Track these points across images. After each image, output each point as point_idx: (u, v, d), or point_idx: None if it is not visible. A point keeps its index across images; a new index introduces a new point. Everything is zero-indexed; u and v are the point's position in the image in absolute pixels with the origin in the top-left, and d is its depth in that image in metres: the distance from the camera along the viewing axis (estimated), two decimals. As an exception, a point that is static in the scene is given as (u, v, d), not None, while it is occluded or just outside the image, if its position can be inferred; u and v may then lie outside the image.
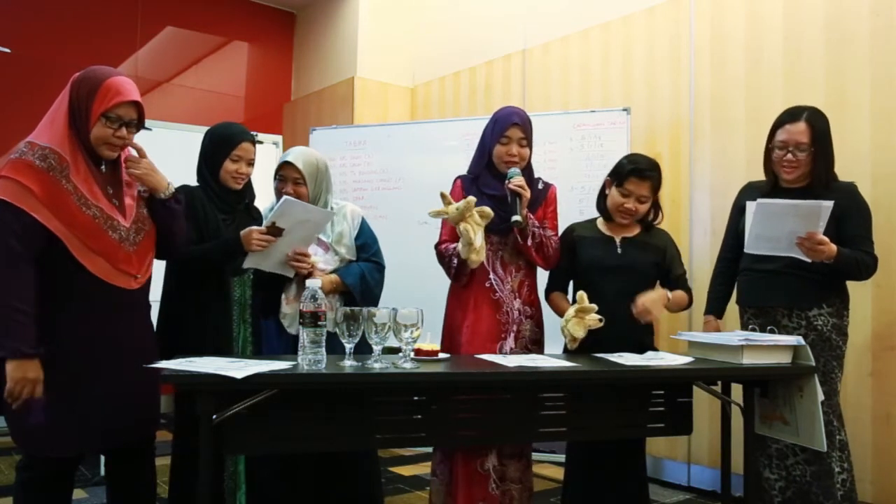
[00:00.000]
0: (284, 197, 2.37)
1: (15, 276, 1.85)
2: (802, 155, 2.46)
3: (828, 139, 2.49)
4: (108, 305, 1.98)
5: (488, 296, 2.50)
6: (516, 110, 2.59)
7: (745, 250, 2.48)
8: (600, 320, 2.33)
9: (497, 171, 2.54)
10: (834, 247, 2.33)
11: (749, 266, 2.60)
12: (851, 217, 2.45)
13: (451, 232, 2.56)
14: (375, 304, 2.54)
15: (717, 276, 2.78)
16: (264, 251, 2.34)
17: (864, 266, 2.43)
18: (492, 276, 2.51)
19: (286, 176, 2.51)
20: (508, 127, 2.51)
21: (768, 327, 2.54)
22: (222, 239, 2.38)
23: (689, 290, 2.61)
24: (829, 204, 2.26)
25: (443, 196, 2.40)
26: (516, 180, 2.44)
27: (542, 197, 2.60)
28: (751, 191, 2.62)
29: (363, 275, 2.54)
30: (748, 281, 2.62)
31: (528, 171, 2.57)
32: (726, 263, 2.73)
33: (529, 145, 2.56)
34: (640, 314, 2.40)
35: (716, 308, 2.75)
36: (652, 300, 2.42)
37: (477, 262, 2.42)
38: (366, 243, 2.62)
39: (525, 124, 2.54)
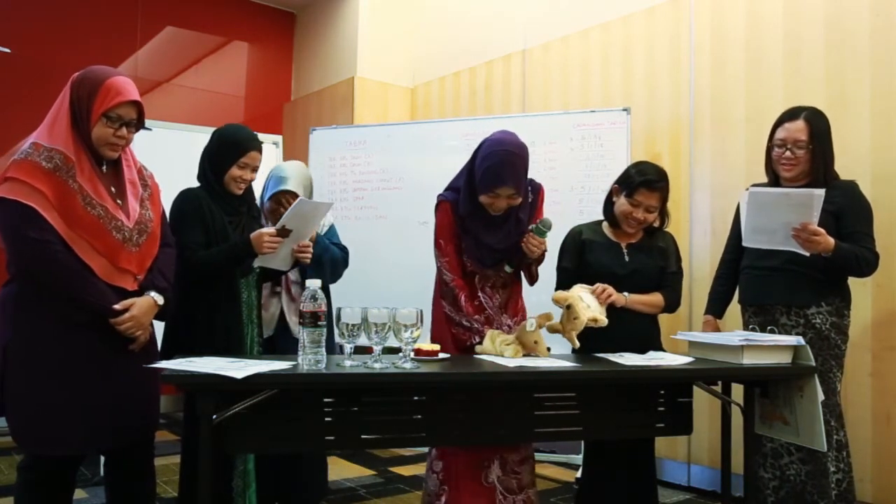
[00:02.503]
0: (300, 198, 2.45)
1: (66, 259, 1.89)
2: (801, 152, 2.47)
3: (827, 138, 2.50)
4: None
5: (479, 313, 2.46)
6: (510, 160, 2.29)
7: (743, 244, 2.50)
8: (594, 320, 2.28)
9: (488, 214, 2.39)
10: (831, 240, 2.33)
11: (749, 264, 2.61)
12: (851, 214, 2.46)
13: (455, 263, 2.45)
14: (337, 275, 2.86)
15: (718, 276, 2.80)
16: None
17: (864, 261, 2.41)
18: (480, 295, 2.48)
19: (285, 202, 2.62)
20: (499, 186, 2.30)
21: (768, 327, 2.55)
22: (231, 244, 2.38)
23: (674, 291, 2.58)
24: (821, 192, 2.27)
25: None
26: (539, 245, 2.36)
27: (535, 207, 2.52)
28: None
29: (327, 248, 2.75)
30: (748, 279, 2.63)
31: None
32: (727, 264, 2.75)
33: (521, 191, 2.36)
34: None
35: (715, 308, 2.77)
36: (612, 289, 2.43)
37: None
38: (335, 243, 2.84)
39: (519, 177, 2.32)
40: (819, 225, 2.31)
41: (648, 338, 2.53)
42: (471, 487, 2.36)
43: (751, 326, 2.62)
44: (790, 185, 2.52)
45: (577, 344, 2.27)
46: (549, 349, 2.25)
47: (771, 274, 2.53)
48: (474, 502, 2.35)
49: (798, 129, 2.47)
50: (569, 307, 2.25)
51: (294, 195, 2.61)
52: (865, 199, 2.51)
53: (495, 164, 2.30)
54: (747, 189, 2.48)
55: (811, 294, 2.47)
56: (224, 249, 2.37)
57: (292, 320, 2.77)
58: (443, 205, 2.49)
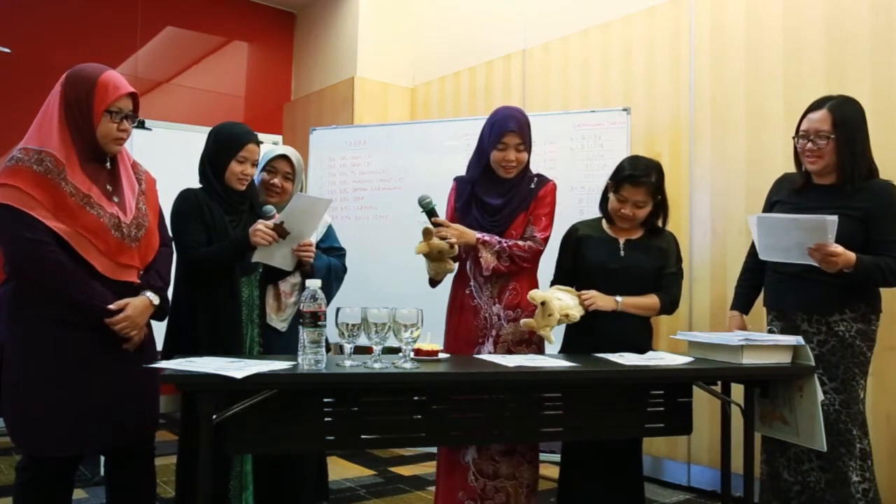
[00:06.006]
0: (298, 193, 2.42)
1: (61, 259, 1.90)
2: (823, 143, 2.34)
3: (853, 127, 2.34)
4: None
5: (468, 302, 2.55)
6: (513, 113, 2.52)
7: (760, 258, 2.41)
8: (566, 316, 2.32)
9: (496, 175, 2.53)
10: (851, 255, 2.20)
11: (773, 267, 2.49)
12: (882, 220, 2.30)
13: None
14: (328, 301, 2.66)
15: (744, 272, 2.69)
16: (271, 246, 2.35)
17: (891, 272, 2.26)
18: (472, 283, 2.54)
19: (277, 169, 2.62)
20: (505, 134, 2.47)
21: (768, 328, 2.53)
22: (231, 239, 2.37)
23: (671, 293, 2.53)
24: (834, 219, 2.15)
25: (427, 231, 2.46)
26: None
27: (532, 197, 2.55)
28: (784, 183, 2.54)
29: (330, 266, 2.66)
30: (770, 282, 2.53)
31: (524, 171, 2.55)
32: (753, 259, 2.62)
33: (527, 148, 2.53)
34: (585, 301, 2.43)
35: (741, 304, 2.67)
36: (602, 296, 2.44)
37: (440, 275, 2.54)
38: (332, 246, 2.76)
39: (522, 128, 2.49)
40: (844, 233, 2.19)
41: (638, 339, 2.49)
42: (448, 464, 2.52)
43: (769, 329, 2.54)
44: (817, 179, 2.42)
45: (552, 340, 2.33)
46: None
47: (791, 280, 2.41)
48: (449, 477, 2.52)
49: (820, 118, 2.35)
50: (543, 304, 2.30)
51: (286, 158, 2.61)
52: None
53: (500, 117, 2.52)
54: (780, 189, 2.41)
55: (832, 302, 2.34)
56: (225, 245, 2.36)
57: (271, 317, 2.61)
58: (452, 185, 2.66)
